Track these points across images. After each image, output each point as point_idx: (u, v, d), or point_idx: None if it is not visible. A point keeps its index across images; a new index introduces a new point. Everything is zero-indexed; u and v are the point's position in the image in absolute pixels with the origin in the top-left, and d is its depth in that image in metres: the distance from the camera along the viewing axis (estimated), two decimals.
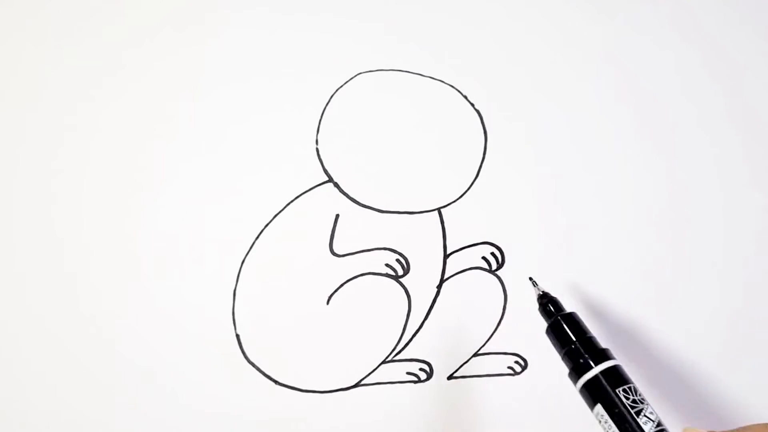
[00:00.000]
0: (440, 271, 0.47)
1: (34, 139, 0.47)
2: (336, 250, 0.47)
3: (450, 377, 0.47)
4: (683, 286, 0.48)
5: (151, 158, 0.47)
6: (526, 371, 0.47)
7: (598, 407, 0.33)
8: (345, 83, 0.48)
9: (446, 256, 0.47)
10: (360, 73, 0.49)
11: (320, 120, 0.48)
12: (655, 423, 0.32)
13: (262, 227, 0.47)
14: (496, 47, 0.50)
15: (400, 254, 0.47)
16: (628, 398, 0.33)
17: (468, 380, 0.47)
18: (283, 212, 0.47)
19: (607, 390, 0.33)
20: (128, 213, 0.47)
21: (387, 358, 0.46)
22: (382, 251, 0.47)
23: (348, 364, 0.46)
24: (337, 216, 0.47)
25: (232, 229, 0.47)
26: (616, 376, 0.34)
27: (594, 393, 0.34)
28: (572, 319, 0.38)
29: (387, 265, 0.47)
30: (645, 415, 0.32)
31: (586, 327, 0.38)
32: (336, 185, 0.47)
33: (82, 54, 0.48)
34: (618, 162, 0.49)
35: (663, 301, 0.48)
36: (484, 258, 0.47)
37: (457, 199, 0.48)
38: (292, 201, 0.47)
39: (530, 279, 0.43)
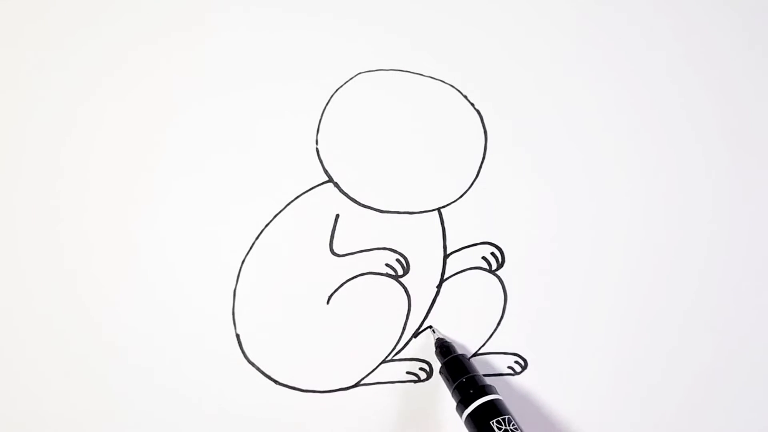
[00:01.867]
0: (440, 271, 0.47)
1: (36, 140, 0.47)
2: (336, 250, 0.47)
3: None
4: (680, 285, 0.48)
5: (151, 158, 0.47)
6: (526, 371, 0.47)
7: None
8: (345, 83, 0.49)
9: (446, 256, 0.47)
10: (360, 73, 0.49)
11: (320, 120, 0.48)
12: None
13: (262, 227, 0.47)
14: (496, 47, 0.50)
15: (400, 254, 0.47)
16: (500, 428, 0.39)
17: None
18: (283, 212, 0.47)
19: (484, 421, 0.40)
20: (128, 213, 0.47)
21: (387, 357, 0.46)
22: (382, 251, 0.47)
23: (348, 364, 0.46)
24: (337, 216, 0.47)
25: (232, 229, 0.47)
26: (493, 409, 0.40)
27: (475, 423, 0.40)
28: (462, 360, 0.44)
29: (387, 265, 0.47)
30: None
31: (473, 367, 0.44)
32: (336, 185, 0.47)
33: (86, 55, 0.48)
34: (618, 162, 0.49)
35: (660, 301, 0.48)
36: (484, 258, 0.47)
37: (457, 199, 0.48)
38: (292, 201, 0.47)
39: (430, 327, 0.47)
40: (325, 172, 0.47)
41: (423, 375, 0.46)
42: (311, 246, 0.47)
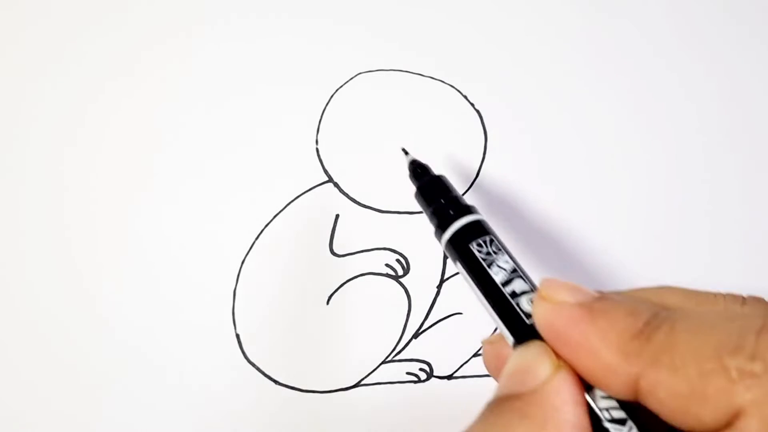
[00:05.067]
0: (440, 271, 0.47)
1: (41, 141, 0.47)
2: (336, 250, 0.47)
3: (450, 377, 0.47)
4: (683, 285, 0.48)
5: (151, 158, 0.47)
6: None
7: (458, 263, 0.33)
8: (345, 83, 0.48)
9: (446, 257, 0.47)
10: (360, 73, 0.49)
11: (320, 120, 0.48)
12: (509, 271, 0.31)
13: (262, 227, 0.47)
14: (496, 47, 0.50)
15: (400, 254, 0.47)
16: (481, 251, 0.32)
17: (468, 380, 0.47)
18: (283, 212, 0.47)
19: (462, 244, 0.32)
20: (128, 213, 0.47)
21: (387, 358, 0.47)
22: (382, 251, 0.47)
23: (348, 364, 0.46)
24: (337, 216, 0.47)
25: (232, 229, 0.47)
26: (474, 230, 0.33)
27: (456, 248, 0.33)
28: (440, 181, 0.37)
29: (387, 265, 0.47)
30: (497, 265, 0.31)
31: (453, 187, 0.37)
32: (336, 185, 0.47)
33: (88, 59, 0.48)
34: (620, 162, 0.49)
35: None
36: None
37: None
38: (292, 201, 0.47)
39: (402, 149, 0.42)
40: (325, 172, 0.47)
41: (423, 375, 0.47)
42: (311, 246, 0.47)
